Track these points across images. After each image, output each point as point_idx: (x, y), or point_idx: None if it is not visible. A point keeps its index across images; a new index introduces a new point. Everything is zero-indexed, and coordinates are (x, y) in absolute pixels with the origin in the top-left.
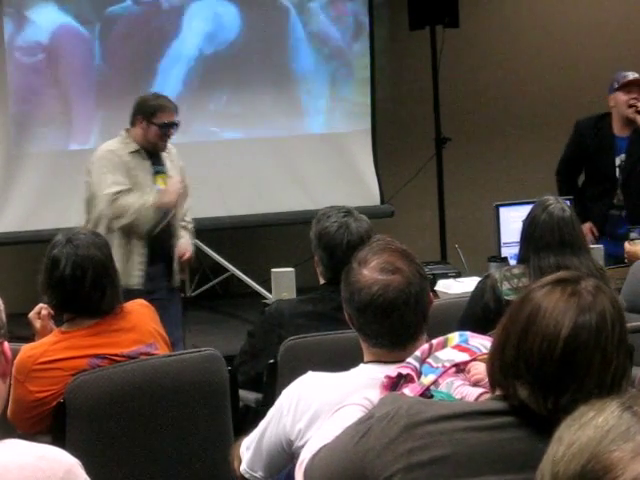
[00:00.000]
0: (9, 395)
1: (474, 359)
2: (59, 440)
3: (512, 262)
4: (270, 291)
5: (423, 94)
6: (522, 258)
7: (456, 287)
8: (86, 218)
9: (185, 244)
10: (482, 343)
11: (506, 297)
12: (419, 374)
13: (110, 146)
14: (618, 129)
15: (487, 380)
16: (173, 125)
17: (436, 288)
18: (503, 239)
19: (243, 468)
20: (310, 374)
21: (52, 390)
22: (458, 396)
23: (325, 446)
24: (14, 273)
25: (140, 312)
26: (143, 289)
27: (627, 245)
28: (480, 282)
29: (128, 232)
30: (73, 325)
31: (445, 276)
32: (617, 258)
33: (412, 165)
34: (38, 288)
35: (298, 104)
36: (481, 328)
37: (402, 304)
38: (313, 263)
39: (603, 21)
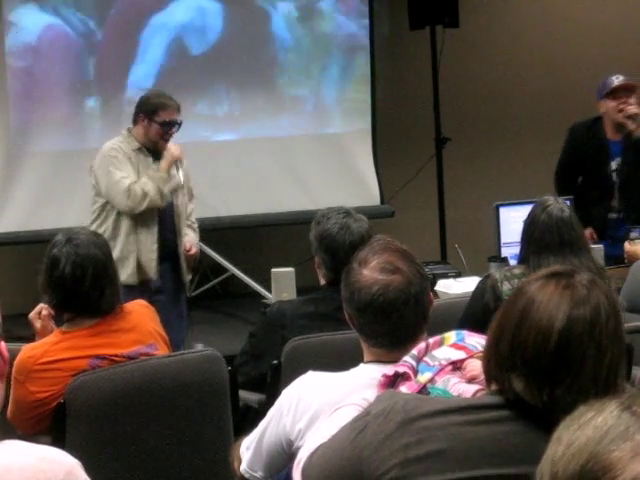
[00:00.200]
0: (8, 395)
1: (470, 357)
2: (59, 440)
3: (512, 262)
4: (270, 291)
5: (423, 94)
6: (522, 258)
7: (456, 287)
8: (94, 214)
9: (191, 240)
10: (478, 341)
11: (506, 297)
12: (416, 372)
13: (113, 144)
14: (611, 134)
15: (483, 377)
16: (174, 123)
17: (436, 288)
18: (503, 239)
19: (243, 468)
20: (310, 374)
21: (52, 390)
22: (455, 393)
23: (322, 444)
24: (14, 273)
25: (140, 312)
26: (157, 282)
27: (627, 245)
28: (480, 282)
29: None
30: (73, 325)
31: (445, 276)
32: (617, 259)
33: (412, 165)
34: (38, 288)
35: (298, 104)
36: (481, 328)
37: (402, 304)
38: (313, 263)
39: (603, 21)
